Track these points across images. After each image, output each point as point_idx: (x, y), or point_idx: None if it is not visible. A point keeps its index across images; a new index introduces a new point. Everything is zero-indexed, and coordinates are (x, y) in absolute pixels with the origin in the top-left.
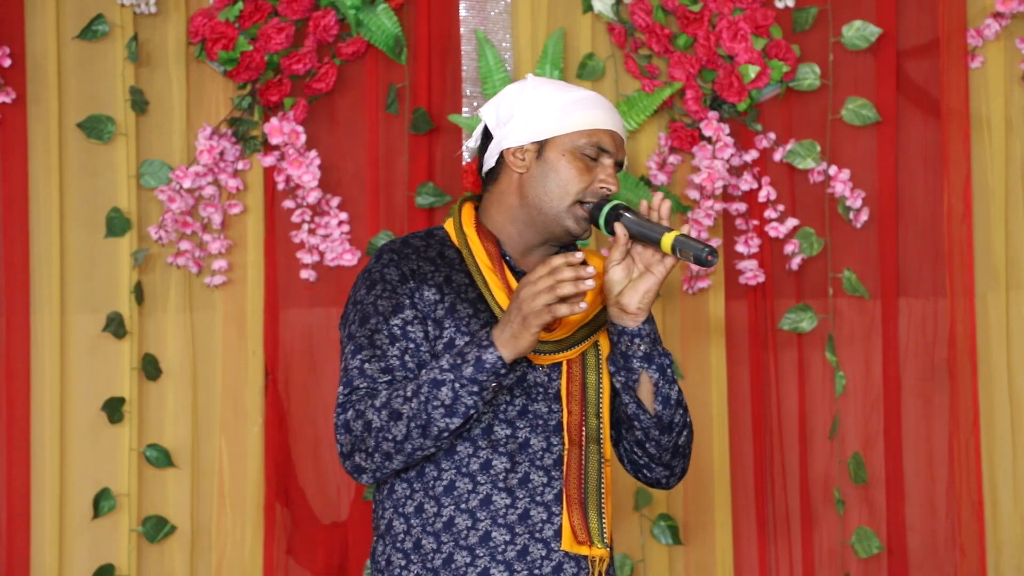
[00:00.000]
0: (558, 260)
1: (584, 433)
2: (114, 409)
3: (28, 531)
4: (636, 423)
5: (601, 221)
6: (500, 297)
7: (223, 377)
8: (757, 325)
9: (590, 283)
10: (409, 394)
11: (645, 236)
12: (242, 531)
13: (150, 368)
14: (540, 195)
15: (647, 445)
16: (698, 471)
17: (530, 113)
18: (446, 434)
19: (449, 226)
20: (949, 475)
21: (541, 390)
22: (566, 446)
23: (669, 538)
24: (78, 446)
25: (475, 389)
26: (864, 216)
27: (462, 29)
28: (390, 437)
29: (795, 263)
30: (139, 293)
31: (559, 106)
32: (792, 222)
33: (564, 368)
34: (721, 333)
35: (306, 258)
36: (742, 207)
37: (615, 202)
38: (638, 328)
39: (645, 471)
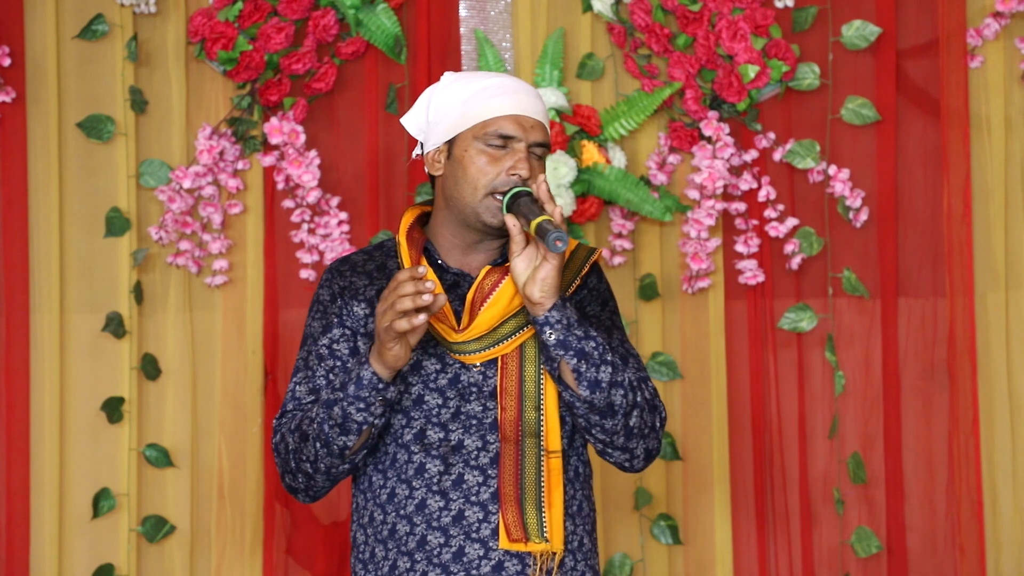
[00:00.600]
0: (401, 274)
1: (521, 428)
2: (113, 409)
3: (28, 531)
4: (575, 410)
5: (503, 211)
6: None
7: (223, 377)
8: (757, 325)
9: (427, 297)
10: (313, 415)
11: (528, 223)
12: (241, 531)
13: (150, 368)
14: (455, 193)
15: (593, 431)
16: (698, 470)
17: (438, 114)
18: (347, 451)
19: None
20: (949, 475)
21: (475, 390)
22: (501, 443)
23: (669, 538)
24: (78, 446)
25: (361, 406)
26: (864, 216)
27: (462, 29)
28: (304, 458)
29: (795, 263)
30: (139, 293)
31: (460, 101)
32: (792, 222)
33: (499, 364)
34: (721, 333)
35: (306, 258)
36: (742, 207)
37: (515, 190)
38: (545, 316)
39: (606, 456)
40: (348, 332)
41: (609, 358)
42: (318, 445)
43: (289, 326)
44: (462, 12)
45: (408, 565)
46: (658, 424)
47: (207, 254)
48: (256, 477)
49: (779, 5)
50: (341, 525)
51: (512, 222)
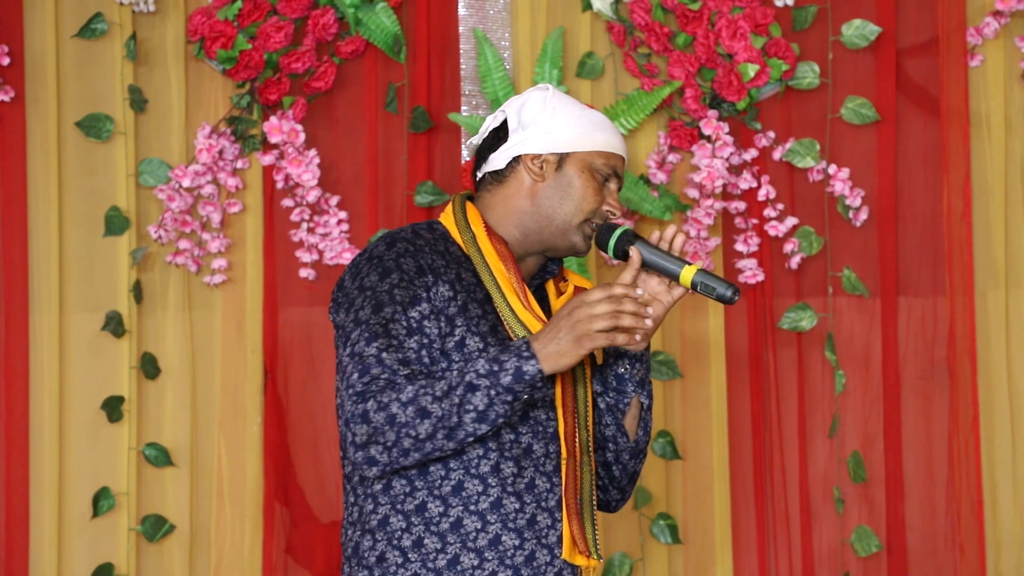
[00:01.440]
0: (619, 289)
1: (577, 443)
2: (113, 408)
3: (27, 530)
4: (611, 445)
5: (611, 244)
6: (513, 300)
7: (222, 376)
8: (757, 324)
9: (649, 323)
10: (439, 393)
11: (660, 266)
12: (241, 530)
13: (149, 367)
14: (554, 206)
15: (613, 468)
16: (697, 469)
17: (552, 123)
18: (471, 439)
19: (448, 222)
20: (948, 474)
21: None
22: (564, 455)
23: (668, 537)
24: (77, 445)
25: (509, 398)
26: (863, 215)
27: (461, 28)
28: (413, 434)
29: (794, 262)
30: (138, 292)
31: (582, 122)
32: (791, 221)
33: (558, 379)
34: (720, 332)
35: (305, 257)
36: (741, 206)
37: (627, 227)
38: (640, 353)
39: (600, 492)
40: (435, 311)
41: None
42: (440, 425)
43: (289, 325)
44: (461, 11)
45: (475, 562)
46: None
47: (206, 253)
48: (256, 476)
49: (779, 4)
50: (340, 524)
51: (636, 256)
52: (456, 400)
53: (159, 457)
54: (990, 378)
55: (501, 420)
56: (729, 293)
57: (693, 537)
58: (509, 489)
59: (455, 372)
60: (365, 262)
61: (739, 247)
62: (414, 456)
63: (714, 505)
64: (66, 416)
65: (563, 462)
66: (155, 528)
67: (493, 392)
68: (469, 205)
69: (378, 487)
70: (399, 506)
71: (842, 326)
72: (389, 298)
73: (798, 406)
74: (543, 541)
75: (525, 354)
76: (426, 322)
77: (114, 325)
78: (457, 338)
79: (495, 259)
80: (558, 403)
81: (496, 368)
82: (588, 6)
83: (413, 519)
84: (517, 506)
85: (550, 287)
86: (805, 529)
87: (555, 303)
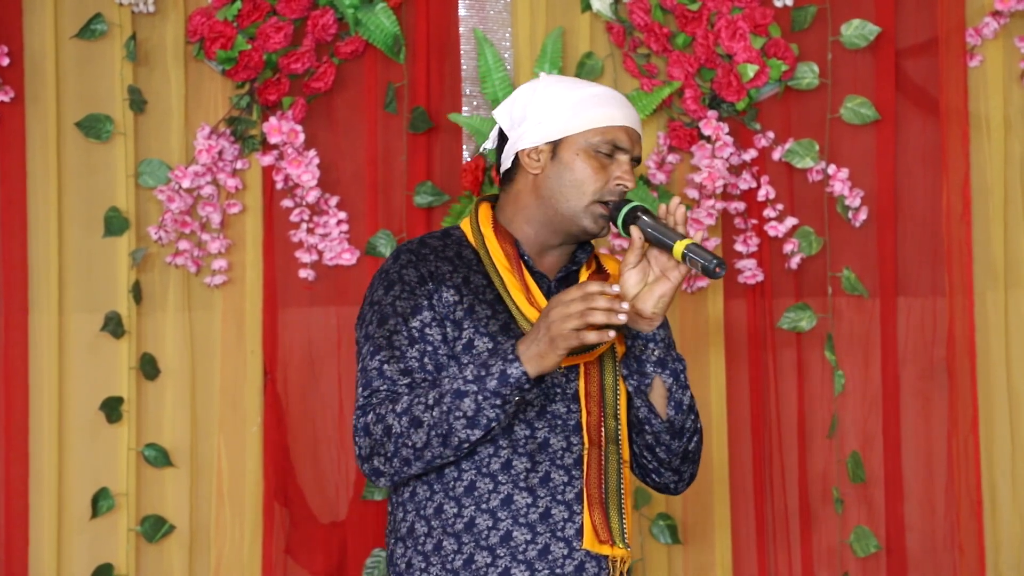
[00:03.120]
0: (593, 287)
1: (603, 434)
2: (112, 408)
3: (27, 530)
4: (647, 427)
5: (619, 222)
6: (518, 298)
7: (222, 376)
8: (756, 324)
9: (623, 317)
10: (431, 402)
11: (659, 241)
12: (241, 531)
13: (148, 368)
14: (556, 195)
15: (657, 450)
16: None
17: (543, 113)
18: (466, 445)
19: (466, 226)
20: (948, 474)
21: (559, 391)
22: (586, 446)
23: (668, 537)
24: (76, 446)
25: (497, 402)
26: (863, 215)
27: (461, 28)
28: (410, 444)
29: (794, 262)
30: (137, 293)
31: (571, 104)
32: (791, 221)
33: (581, 370)
34: (720, 332)
35: (305, 257)
36: (741, 206)
37: (633, 204)
38: (652, 333)
39: (654, 476)
40: (439, 317)
41: (687, 382)
42: (433, 434)
43: (288, 325)
44: (461, 11)
45: (489, 560)
46: (701, 450)
47: (206, 254)
48: (255, 477)
49: (778, 4)
50: (340, 525)
51: (637, 234)
52: (445, 408)
53: (158, 458)
54: (989, 378)
55: (494, 424)
56: (712, 265)
57: (693, 537)
58: (521, 484)
59: (447, 379)
60: (376, 277)
61: (739, 247)
62: (417, 465)
63: (714, 505)
64: (65, 417)
65: (585, 453)
66: (155, 528)
67: (480, 397)
68: (482, 207)
69: (406, 495)
70: (422, 512)
71: (842, 326)
72: (392, 310)
73: (798, 406)
74: (559, 534)
75: (510, 357)
76: (428, 329)
77: (113, 326)
78: (465, 340)
79: (501, 258)
80: (581, 394)
81: (483, 373)
82: (588, 6)
83: (433, 523)
84: (529, 501)
85: (584, 276)
86: (804, 529)
87: None
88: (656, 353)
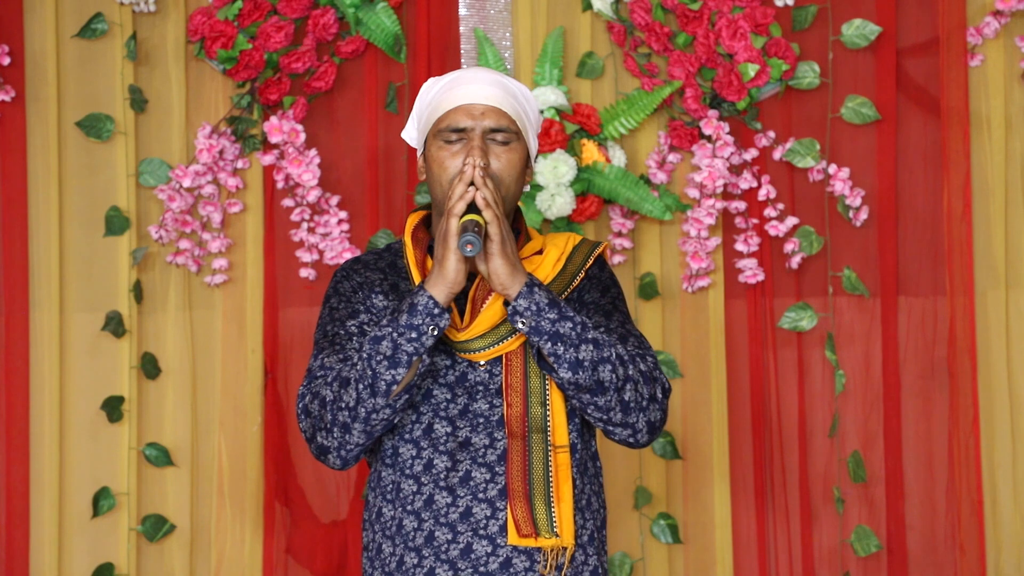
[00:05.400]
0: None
1: (528, 423)
2: (113, 408)
3: (27, 530)
4: (565, 392)
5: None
6: None
7: (222, 376)
8: (757, 324)
9: (471, 190)
10: (354, 360)
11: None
12: (241, 530)
13: (149, 367)
14: (432, 194)
15: (588, 409)
16: (697, 469)
17: (415, 121)
18: (394, 387)
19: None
20: (949, 474)
21: (482, 388)
22: (508, 439)
23: (669, 537)
24: (77, 445)
25: (413, 335)
26: (864, 215)
27: (462, 28)
28: (343, 405)
29: (795, 262)
30: (138, 292)
31: (426, 104)
32: (792, 221)
33: (504, 362)
34: (721, 332)
35: (305, 257)
36: (741, 206)
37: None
38: (513, 306)
39: (609, 434)
40: (374, 319)
41: (590, 335)
42: (360, 386)
43: (289, 325)
44: (462, 11)
45: (415, 561)
46: (659, 394)
47: (207, 253)
48: (256, 476)
49: (779, 4)
50: (340, 524)
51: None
52: (366, 356)
53: (159, 457)
54: (990, 378)
55: (414, 358)
56: (462, 242)
57: (693, 537)
58: (441, 484)
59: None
60: (322, 303)
61: (739, 247)
62: (356, 428)
63: (714, 505)
64: (66, 416)
65: (508, 446)
66: (155, 528)
67: (395, 334)
68: (411, 216)
69: (365, 505)
70: (371, 520)
71: (842, 326)
72: (330, 318)
73: (798, 406)
74: (480, 532)
75: (416, 290)
76: (366, 327)
77: (114, 325)
78: None
79: (413, 264)
80: (504, 388)
81: (393, 315)
82: (588, 6)
83: (375, 527)
84: (449, 500)
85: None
86: (805, 529)
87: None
88: (522, 324)
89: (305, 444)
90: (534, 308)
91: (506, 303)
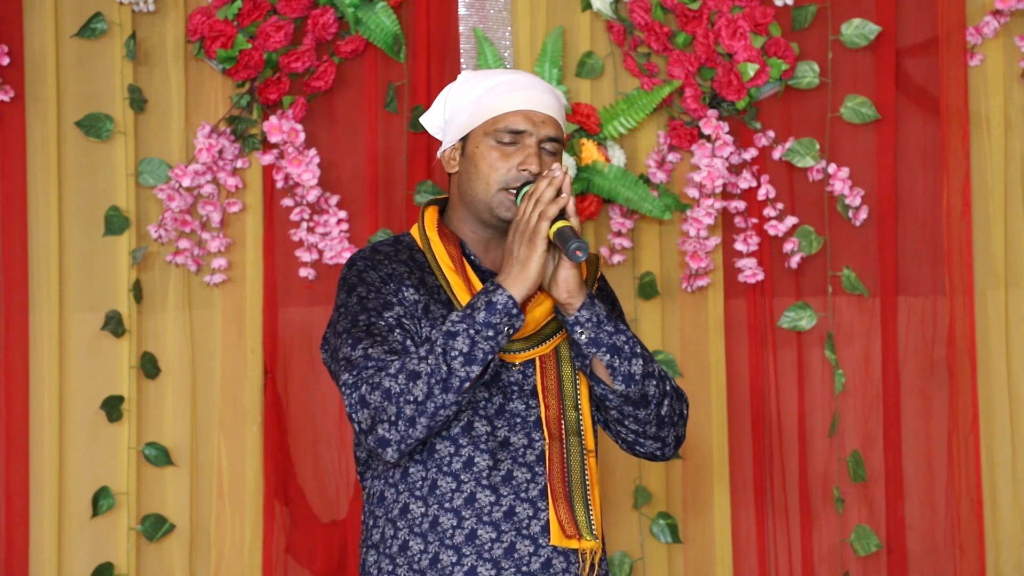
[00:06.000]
0: (534, 187)
1: (564, 426)
2: (113, 407)
3: (27, 529)
4: (608, 403)
5: (517, 201)
6: (464, 298)
7: (222, 375)
8: (756, 323)
9: (564, 196)
10: (424, 353)
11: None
12: (241, 530)
13: (149, 367)
14: (469, 190)
15: (627, 422)
16: (697, 469)
17: (453, 112)
18: (467, 384)
19: (415, 232)
20: (948, 473)
21: (516, 388)
22: (547, 441)
23: (668, 536)
24: (77, 445)
25: (490, 334)
26: (863, 214)
27: (461, 27)
28: (411, 399)
29: (794, 261)
30: (138, 291)
31: (473, 99)
32: (791, 220)
33: (537, 364)
34: (720, 331)
35: (305, 256)
36: (741, 205)
37: (526, 188)
38: (575, 316)
39: (637, 447)
40: (408, 312)
41: (639, 351)
42: (432, 381)
43: (289, 324)
44: (461, 10)
45: (454, 559)
46: (685, 411)
47: (206, 253)
48: (256, 476)
49: (778, 3)
50: (340, 524)
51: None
52: (439, 351)
53: (159, 457)
54: (990, 377)
55: (491, 357)
56: (572, 248)
57: (693, 536)
58: (484, 483)
59: (432, 332)
60: (339, 289)
61: (739, 246)
62: (422, 423)
63: (714, 504)
64: (66, 416)
65: (546, 447)
66: (155, 528)
67: (472, 331)
68: (429, 211)
69: (375, 501)
70: (390, 515)
71: (842, 325)
72: (361, 308)
73: (798, 405)
74: (524, 532)
75: (491, 288)
76: (404, 320)
77: (114, 325)
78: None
79: (446, 260)
80: (539, 389)
81: (469, 311)
82: (588, 5)
83: (399, 524)
84: (493, 499)
85: None
86: (805, 528)
87: None
88: (584, 335)
89: (305, 443)
90: (595, 320)
91: (558, 312)
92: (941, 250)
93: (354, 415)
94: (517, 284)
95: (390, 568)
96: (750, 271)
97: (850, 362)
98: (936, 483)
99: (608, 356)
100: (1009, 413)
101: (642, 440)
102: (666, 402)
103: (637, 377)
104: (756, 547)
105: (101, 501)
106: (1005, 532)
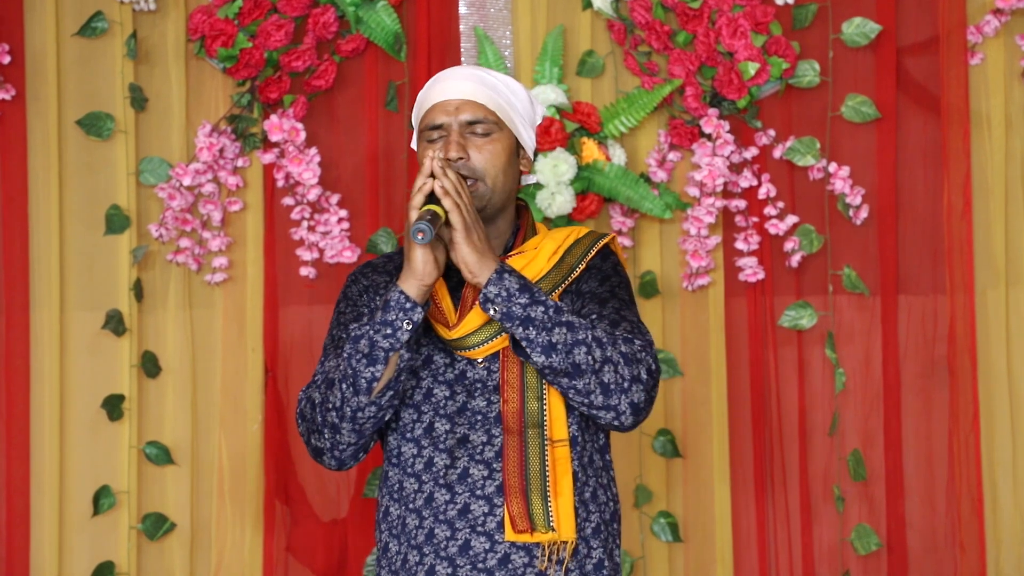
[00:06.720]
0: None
1: (524, 419)
2: (114, 406)
3: (28, 528)
4: (545, 378)
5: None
6: (444, 303)
7: (223, 374)
8: (757, 322)
9: (430, 183)
10: (337, 362)
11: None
12: (242, 528)
13: (150, 365)
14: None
15: (569, 393)
16: (698, 468)
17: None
18: (375, 383)
19: None
20: (949, 472)
21: (480, 385)
22: (504, 436)
23: (669, 535)
24: (78, 443)
25: (388, 332)
26: (864, 213)
27: (462, 26)
28: (330, 406)
29: (795, 260)
30: (139, 290)
31: (418, 104)
32: (792, 219)
33: (501, 358)
34: (721, 330)
35: (306, 255)
36: (742, 204)
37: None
38: (483, 293)
39: (596, 420)
40: None
41: (564, 319)
42: (344, 386)
43: (289, 323)
44: (462, 9)
45: (417, 559)
46: (643, 375)
47: (207, 251)
48: (256, 474)
49: (779, 2)
50: (340, 523)
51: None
52: (346, 356)
53: (160, 455)
54: (990, 376)
55: (392, 353)
56: (414, 231)
57: (694, 535)
58: (440, 482)
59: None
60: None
61: (739, 245)
62: (345, 427)
63: (714, 503)
64: (67, 414)
65: (504, 443)
66: (156, 526)
67: (372, 331)
68: None
69: (377, 509)
70: (379, 519)
71: (842, 324)
72: (337, 323)
73: (798, 404)
74: (479, 529)
75: (391, 288)
76: None
77: (115, 323)
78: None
79: None
80: (501, 384)
81: (371, 316)
82: (588, 4)
83: (382, 526)
84: (448, 497)
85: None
86: (805, 527)
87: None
88: (494, 311)
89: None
90: (504, 294)
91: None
92: (942, 249)
93: (298, 428)
94: (407, 279)
95: (378, 570)
96: (751, 270)
97: (851, 361)
98: (936, 482)
99: (521, 329)
100: (1009, 412)
101: (593, 411)
102: (607, 368)
103: (559, 347)
104: (757, 546)
105: (102, 500)
106: (1006, 531)
